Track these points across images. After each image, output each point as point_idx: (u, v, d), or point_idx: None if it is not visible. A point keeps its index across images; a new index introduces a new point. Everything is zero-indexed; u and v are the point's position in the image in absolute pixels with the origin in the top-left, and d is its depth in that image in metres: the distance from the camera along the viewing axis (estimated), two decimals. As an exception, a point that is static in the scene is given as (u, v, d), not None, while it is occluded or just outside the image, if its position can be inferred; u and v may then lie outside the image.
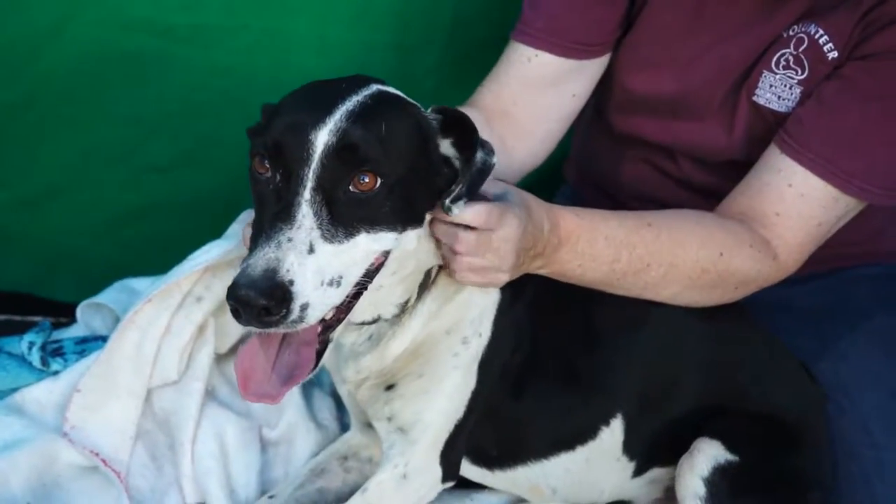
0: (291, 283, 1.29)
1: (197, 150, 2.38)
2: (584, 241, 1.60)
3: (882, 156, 1.72)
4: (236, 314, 1.30)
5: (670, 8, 1.87)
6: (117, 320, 1.90)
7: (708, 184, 1.95)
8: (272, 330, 1.32)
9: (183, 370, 1.83)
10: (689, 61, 1.88)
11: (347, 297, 1.40)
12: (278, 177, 1.38)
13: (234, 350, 1.93)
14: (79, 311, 2.01)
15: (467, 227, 1.47)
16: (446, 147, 1.47)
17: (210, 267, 1.81)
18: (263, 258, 1.30)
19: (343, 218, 1.36)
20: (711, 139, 1.92)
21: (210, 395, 1.88)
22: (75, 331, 2.00)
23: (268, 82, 2.11)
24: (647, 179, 2.06)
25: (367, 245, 1.39)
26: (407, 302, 1.59)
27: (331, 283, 1.34)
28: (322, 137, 1.35)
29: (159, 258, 1.98)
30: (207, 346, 1.85)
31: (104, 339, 1.87)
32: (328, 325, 1.44)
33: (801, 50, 1.77)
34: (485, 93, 1.94)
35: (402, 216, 1.42)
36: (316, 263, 1.32)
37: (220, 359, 1.92)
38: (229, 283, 1.30)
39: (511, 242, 1.49)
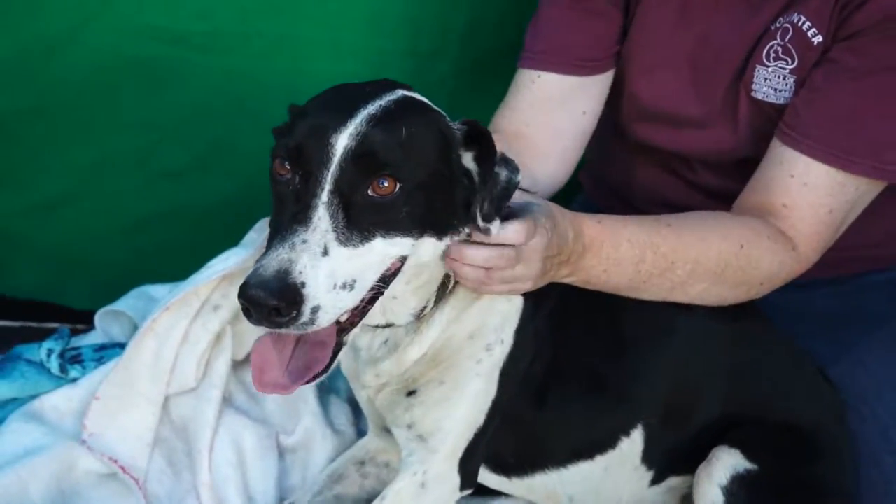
0: (303, 284, 1.28)
1: (211, 157, 2.38)
2: (608, 246, 1.60)
3: (879, 130, 1.72)
4: (247, 313, 1.29)
5: (659, 8, 1.89)
6: (135, 328, 1.91)
7: (725, 187, 1.95)
8: (283, 331, 1.31)
9: (200, 378, 1.84)
10: (683, 62, 1.90)
11: (363, 301, 1.39)
12: (298, 179, 1.37)
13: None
14: (97, 319, 2.02)
15: (502, 245, 1.47)
16: (468, 160, 1.47)
17: (228, 275, 1.82)
18: (276, 259, 1.29)
19: (360, 222, 1.35)
20: (718, 142, 1.92)
21: (227, 402, 1.88)
22: (93, 338, 2.01)
23: (282, 89, 2.10)
24: (664, 185, 2.07)
25: (382, 249, 1.38)
26: (423, 310, 1.58)
27: (344, 287, 1.33)
28: (342, 141, 1.35)
29: (173, 264, 1.99)
30: (225, 353, 1.86)
31: (122, 346, 1.88)
32: (342, 328, 1.43)
33: (787, 39, 1.78)
34: (499, 118, 1.96)
35: (420, 222, 1.41)
36: (329, 266, 1.31)
37: (237, 366, 1.93)
38: (246, 285, 1.30)
39: (538, 252, 1.48)
